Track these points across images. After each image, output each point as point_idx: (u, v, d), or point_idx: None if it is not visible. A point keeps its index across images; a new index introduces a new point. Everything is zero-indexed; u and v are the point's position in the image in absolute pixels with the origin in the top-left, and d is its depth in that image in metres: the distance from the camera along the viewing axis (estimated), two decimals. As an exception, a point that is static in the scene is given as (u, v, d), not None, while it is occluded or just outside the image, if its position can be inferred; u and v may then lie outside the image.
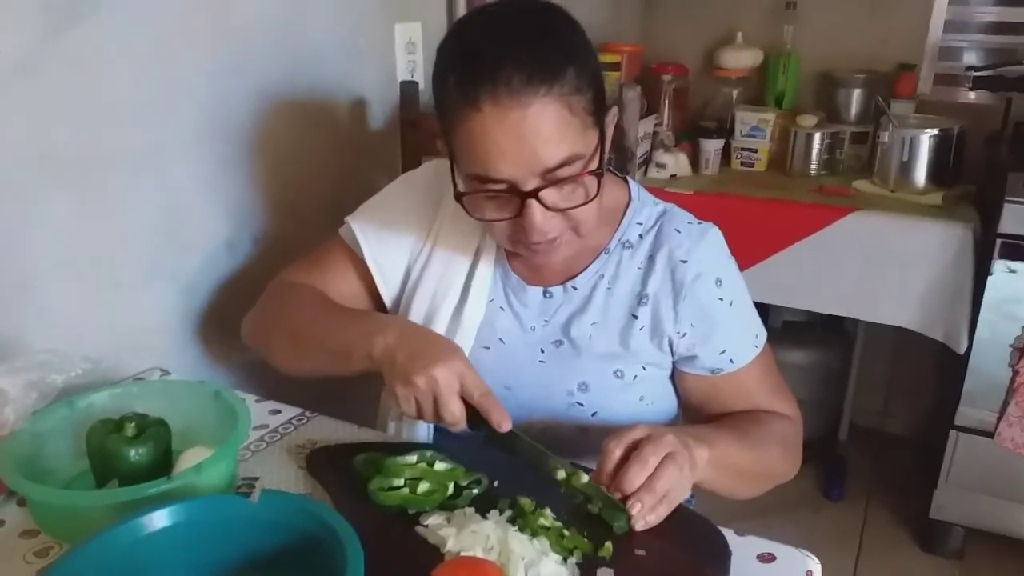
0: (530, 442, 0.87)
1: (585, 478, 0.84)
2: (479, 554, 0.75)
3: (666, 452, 0.81)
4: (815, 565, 0.84)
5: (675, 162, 2.17)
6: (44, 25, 1.01)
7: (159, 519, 0.73)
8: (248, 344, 1.14)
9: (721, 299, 1.01)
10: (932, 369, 2.49)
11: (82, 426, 0.89)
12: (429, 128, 1.50)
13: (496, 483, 0.89)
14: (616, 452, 0.82)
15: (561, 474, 0.85)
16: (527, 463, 0.87)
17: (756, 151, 2.28)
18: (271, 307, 1.11)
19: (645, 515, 0.80)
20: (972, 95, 2.29)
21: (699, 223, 1.03)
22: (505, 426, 0.87)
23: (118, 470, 0.85)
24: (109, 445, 0.85)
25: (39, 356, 0.86)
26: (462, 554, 0.76)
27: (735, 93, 2.45)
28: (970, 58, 2.33)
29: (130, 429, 0.87)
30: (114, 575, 0.70)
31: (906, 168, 2.03)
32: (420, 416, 0.89)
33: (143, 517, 0.72)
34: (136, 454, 0.85)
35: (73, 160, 1.08)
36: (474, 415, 0.87)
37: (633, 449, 0.82)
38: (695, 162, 2.24)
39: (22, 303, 1.05)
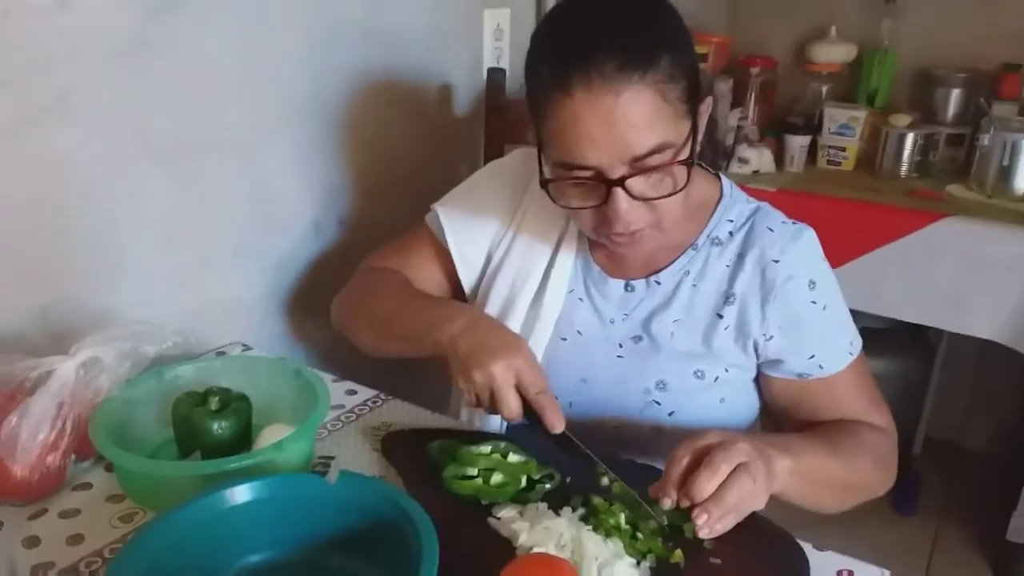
0: (580, 446, 0.86)
1: (623, 488, 0.83)
2: (552, 551, 0.75)
3: (739, 461, 0.78)
4: (895, 584, 0.81)
5: (759, 157, 2.11)
6: (148, 4, 1.03)
7: (241, 494, 0.74)
8: (336, 326, 1.15)
9: (814, 302, 0.97)
10: (1017, 384, 2.38)
11: (169, 396, 0.91)
12: (514, 115, 1.49)
13: (568, 479, 0.89)
14: (684, 460, 0.80)
15: (605, 481, 0.84)
16: (579, 464, 0.86)
17: (844, 149, 2.20)
18: (357, 291, 1.13)
19: (712, 524, 0.77)
20: (1081, 99, 2.16)
21: (794, 223, 1.00)
22: (558, 427, 0.86)
23: (201, 442, 0.88)
24: (194, 418, 0.87)
25: (133, 327, 0.89)
26: (535, 550, 0.75)
27: (825, 89, 2.37)
28: (1081, 60, 2.20)
29: (214, 403, 0.89)
30: (195, 546, 0.71)
31: (1006, 173, 1.93)
32: (479, 407, 0.89)
33: (226, 491, 0.74)
34: (219, 427, 0.87)
35: (166, 137, 1.10)
36: (531, 410, 0.87)
37: (703, 456, 0.79)
38: (779, 158, 2.18)
39: (116, 275, 1.08)
